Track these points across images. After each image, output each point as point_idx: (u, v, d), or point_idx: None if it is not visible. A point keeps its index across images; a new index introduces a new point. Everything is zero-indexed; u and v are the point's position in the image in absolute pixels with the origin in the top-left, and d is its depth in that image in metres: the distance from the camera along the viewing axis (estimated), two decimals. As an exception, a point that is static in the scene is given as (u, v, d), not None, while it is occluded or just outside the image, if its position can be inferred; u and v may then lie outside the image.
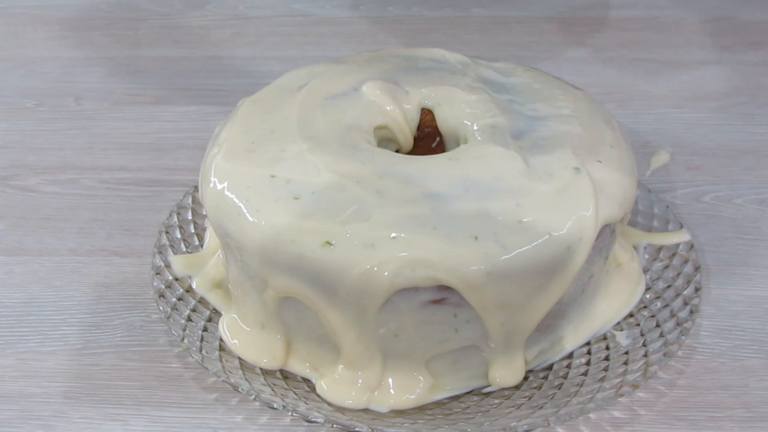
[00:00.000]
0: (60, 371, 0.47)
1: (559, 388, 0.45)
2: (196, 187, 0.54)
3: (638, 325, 0.47)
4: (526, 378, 0.45)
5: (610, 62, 0.74)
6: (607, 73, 0.73)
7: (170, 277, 0.49)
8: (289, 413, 0.43)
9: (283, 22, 0.80)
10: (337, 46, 0.76)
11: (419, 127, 0.50)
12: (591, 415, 0.45)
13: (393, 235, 0.40)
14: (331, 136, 0.45)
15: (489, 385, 0.45)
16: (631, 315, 0.48)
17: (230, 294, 0.48)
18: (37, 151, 0.63)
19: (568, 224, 0.41)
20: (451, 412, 0.44)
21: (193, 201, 0.54)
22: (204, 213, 0.51)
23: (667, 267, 0.50)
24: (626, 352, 0.46)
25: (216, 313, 0.48)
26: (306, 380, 0.45)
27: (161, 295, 0.48)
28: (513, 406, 0.44)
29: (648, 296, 0.49)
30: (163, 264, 0.50)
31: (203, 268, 0.50)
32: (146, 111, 0.68)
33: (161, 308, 0.47)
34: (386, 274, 0.40)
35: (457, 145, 0.48)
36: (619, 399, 0.45)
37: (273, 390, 0.44)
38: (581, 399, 0.43)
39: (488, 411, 0.44)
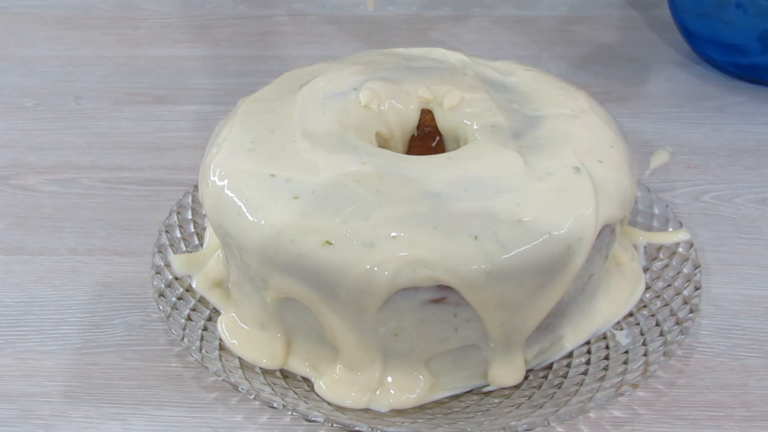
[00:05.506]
0: (60, 370, 0.47)
1: (559, 388, 0.45)
2: (196, 187, 0.54)
3: (638, 324, 0.47)
4: (526, 377, 0.45)
5: (610, 62, 0.74)
6: (607, 73, 0.73)
7: (170, 277, 0.49)
8: (289, 412, 0.43)
9: (283, 22, 0.80)
10: (337, 46, 0.76)
11: (419, 127, 0.50)
12: (591, 415, 0.45)
13: (393, 234, 0.40)
14: (331, 135, 0.45)
15: (489, 385, 0.45)
16: (630, 314, 0.48)
17: (230, 293, 0.48)
18: (37, 150, 0.64)
19: (568, 224, 0.41)
20: (451, 412, 0.44)
21: (193, 200, 0.54)
22: (204, 212, 0.51)
23: (666, 266, 0.50)
24: (626, 352, 0.46)
25: (216, 313, 0.48)
26: (306, 379, 0.45)
27: (161, 295, 0.48)
28: (513, 406, 0.44)
29: (648, 295, 0.49)
30: (163, 263, 0.50)
31: (203, 268, 0.50)
32: (146, 110, 0.68)
33: (161, 308, 0.47)
34: (386, 273, 0.40)
35: (457, 144, 0.48)
36: (619, 398, 0.45)
37: (273, 389, 0.44)
38: (581, 398, 0.43)
39: (488, 410, 0.44)
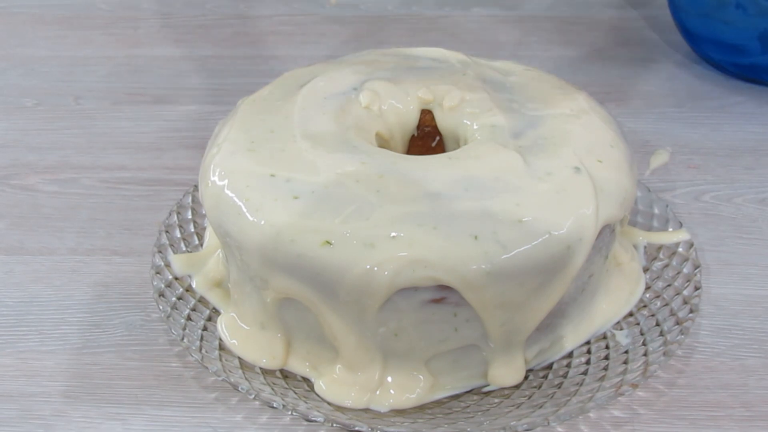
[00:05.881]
0: (60, 370, 0.47)
1: (559, 388, 0.45)
2: (195, 187, 0.54)
3: (638, 324, 0.47)
4: (525, 377, 0.45)
5: (610, 62, 0.74)
6: (607, 73, 0.73)
7: (170, 277, 0.49)
8: (289, 412, 0.43)
9: (283, 22, 0.80)
10: (337, 46, 0.76)
11: (419, 127, 0.50)
12: (591, 414, 0.45)
13: (393, 234, 0.40)
14: (331, 135, 0.45)
15: (489, 385, 0.45)
16: (630, 314, 0.48)
17: (230, 293, 0.48)
18: (36, 150, 0.64)
19: (568, 224, 0.41)
20: (451, 411, 0.44)
21: (192, 200, 0.54)
22: (204, 212, 0.51)
23: (666, 266, 0.50)
24: (626, 352, 0.46)
25: (216, 312, 0.48)
26: (306, 379, 0.45)
27: (161, 295, 0.48)
28: (513, 405, 0.44)
29: (648, 295, 0.49)
30: (162, 263, 0.50)
31: (203, 268, 0.50)
32: (146, 110, 0.68)
33: (161, 307, 0.47)
34: (386, 273, 0.40)
35: (457, 144, 0.48)
36: (619, 398, 0.45)
37: (273, 389, 0.44)
38: (581, 398, 0.43)
39: (488, 410, 0.44)
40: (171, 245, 0.51)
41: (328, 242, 0.41)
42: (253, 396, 0.43)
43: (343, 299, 0.41)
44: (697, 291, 0.48)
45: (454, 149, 0.47)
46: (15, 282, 0.53)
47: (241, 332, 0.46)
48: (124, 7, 0.82)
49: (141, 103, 0.69)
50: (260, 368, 0.45)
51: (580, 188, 0.43)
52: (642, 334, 0.47)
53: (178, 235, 0.52)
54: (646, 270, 0.50)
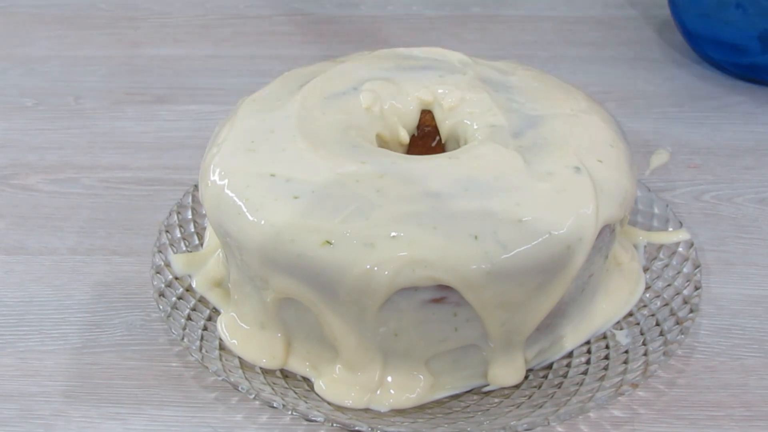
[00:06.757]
0: (60, 370, 0.47)
1: (559, 387, 0.45)
2: (196, 186, 0.54)
3: (638, 324, 0.47)
4: (526, 377, 0.45)
5: (610, 62, 0.74)
6: (607, 72, 0.73)
7: (170, 276, 0.49)
8: (289, 412, 0.43)
9: (283, 22, 0.80)
10: (337, 46, 0.76)
11: (419, 127, 0.50)
12: (591, 414, 0.45)
13: (393, 234, 0.40)
14: (331, 135, 0.45)
15: (489, 384, 0.45)
16: (630, 314, 0.48)
17: (230, 293, 0.48)
18: (36, 150, 0.64)
19: (568, 223, 0.41)
20: (451, 411, 0.44)
21: (193, 200, 0.54)
22: (204, 212, 0.51)
23: (666, 266, 0.50)
24: (626, 351, 0.46)
25: (216, 312, 0.48)
26: (306, 379, 0.45)
27: (161, 294, 0.48)
28: (513, 405, 0.44)
29: (648, 295, 0.49)
30: (163, 263, 0.50)
31: (203, 267, 0.50)
32: (146, 110, 0.68)
33: (161, 307, 0.47)
34: (386, 273, 0.40)
35: (457, 144, 0.48)
36: (619, 398, 0.45)
37: (273, 389, 0.44)
38: (581, 398, 0.43)
39: (488, 410, 0.44)
40: (171, 245, 0.51)
41: (328, 242, 0.41)
42: (253, 396, 0.43)
43: (343, 299, 0.41)
44: (697, 291, 0.48)
45: (454, 149, 0.47)
46: (15, 282, 0.53)
47: (241, 332, 0.46)
48: (124, 7, 0.82)
49: (141, 103, 0.69)
50: (260, 368, 0.45)
51: (580, 188, 0.43)
52: (642, 334, 0.47)
53: (178, 235, 0.52)
54: (646, 270, 0.50)
